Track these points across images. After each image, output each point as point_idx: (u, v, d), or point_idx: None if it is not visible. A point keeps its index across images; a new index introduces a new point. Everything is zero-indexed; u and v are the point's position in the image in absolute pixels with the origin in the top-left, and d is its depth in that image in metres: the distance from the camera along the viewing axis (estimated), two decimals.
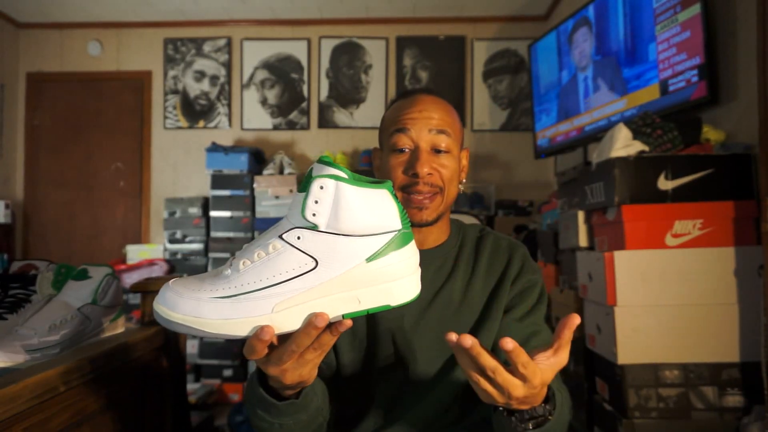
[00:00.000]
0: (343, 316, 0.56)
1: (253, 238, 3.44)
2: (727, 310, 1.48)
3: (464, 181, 0.94)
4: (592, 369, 1.77)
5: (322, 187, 0.53)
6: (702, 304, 1.49)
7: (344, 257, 0.54)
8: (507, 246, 0.94)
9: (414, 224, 0.86)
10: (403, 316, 0.87)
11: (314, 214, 0.54)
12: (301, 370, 0.60)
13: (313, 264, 0.54)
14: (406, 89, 0.95)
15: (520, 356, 0.57)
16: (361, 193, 0.54)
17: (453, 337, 0.57)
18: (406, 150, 0.86)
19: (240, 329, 0.55)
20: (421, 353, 0.87)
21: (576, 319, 0.60)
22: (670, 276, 1.50)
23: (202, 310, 0.54)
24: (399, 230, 0.56)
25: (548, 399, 0.67)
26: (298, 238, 0.54)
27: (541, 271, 0.96)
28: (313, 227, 0.54)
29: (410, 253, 0.58)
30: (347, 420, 0.89)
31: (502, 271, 0.91)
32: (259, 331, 0.54)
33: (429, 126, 0.85)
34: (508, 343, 0.56)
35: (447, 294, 0.89)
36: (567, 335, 0.60)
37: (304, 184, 0.55)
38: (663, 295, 1.50)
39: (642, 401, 1.47)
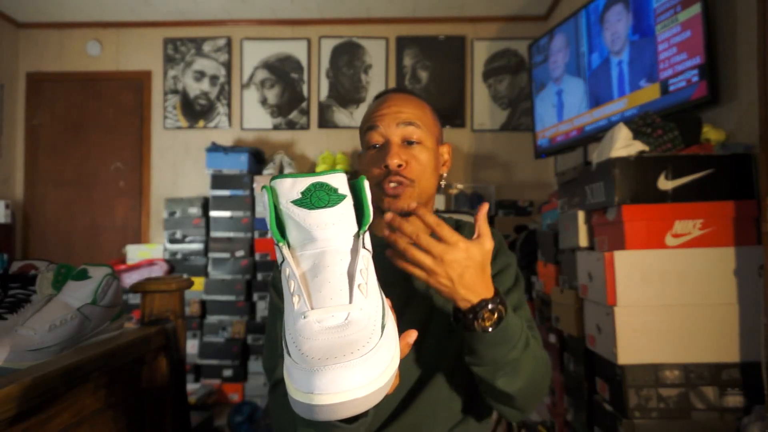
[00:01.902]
0: None
1: (253, 238, 3.45)
2: (727, 310, 1.48)
3: (445, 175, 0.97)
4: (592, 369, 1.77)
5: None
6: (702, 304, 1.49)
7: (369, 240, 0.58)
8: None
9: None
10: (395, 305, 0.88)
11: (370, 213, 0.56)
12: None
13: (370, 255, 0.56)
14: (382, 91, 0.98)
15: (426, 217, 0.72)
16: None
17: (387, 216, 0.72)
18: (378, 146, 0.89)
19: (398, 347, 0.53)
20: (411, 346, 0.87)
21: (485, 206, 0.75)
22: (670, 276, 1.50)
23: (387, 349, 0.49)
24: None
25: (498, 299, 0.73)
26: (366, 240, 0.56)
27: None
28: (365, 225, 0.56)
29: None
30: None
31: None
32: (406, 335, 0.58)
33: (397, 120, 0.88)
34: (413, 204, 0.76)
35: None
36: (480, 221, 0.74)
37: (337, 195, 0.54)
38: (663, 295, 1.50)
39: (642, 401, 1.47)
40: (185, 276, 1.32)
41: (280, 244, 0.54)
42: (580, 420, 1.85)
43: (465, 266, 0.70)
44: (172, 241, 3.52)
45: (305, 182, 0.52)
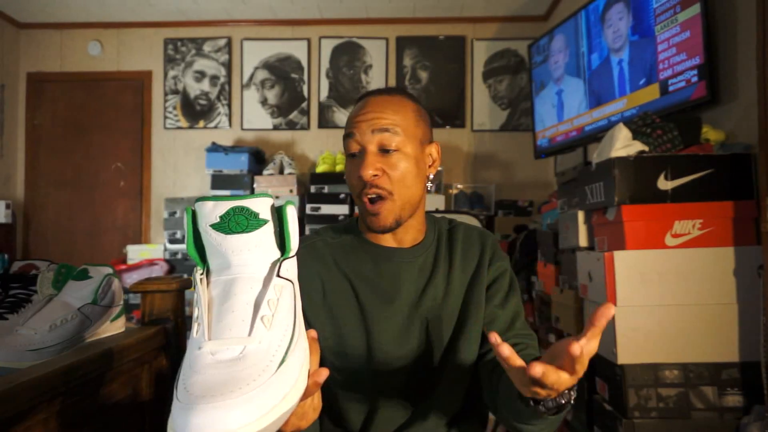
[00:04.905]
0: None
1: None
2: (726, 310, 1.48)
3: (432, 176, 0.93)
4: (592, 369, 1.77)
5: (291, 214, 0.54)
6: (702, 304, 1.49)
7: (295, 269, 0.56)
8: (478, 235, 0.96)
9: (375, 231, 0.87)
10: (395, 317, 0.87)
11: (292, 240, 0.54)
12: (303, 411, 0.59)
13: (291, 286, 0.54)
14: (364, 92, 0.94)
15: (581, 359, 0.57)
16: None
17: (534, 369, 0.57)
18: (357, 154, 0.86)
19: (303, 385, 0.51)
20: (417, 352, 0.87)
21: (612, 310, 0.58)
22: (670, 276, 1.50)
23: (278, 388, 0.46)
24: None
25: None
26: (284, 269, 0.53)
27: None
28: (287, 253, 0.54)
29: None
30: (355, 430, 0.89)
31: (479, 259, 0.93)
32: (316, 374, 0.54)
33: (372, 127, 0.84)
34: (576, 349, 0.56)
35: (432, 290, 0.89)
36: (602, 324, 0.58)
37: (257, 221, 0.52)
38: (663, 295, 1.50)
39: (642, 401, 1.47)
40: (185, 276, 1.32)
41: (197, 268, 0.53)
42: (580, 420, 1.85)
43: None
44: (173, 241, 3.53)
45: (225, 206, 0.50)
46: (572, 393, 0.65)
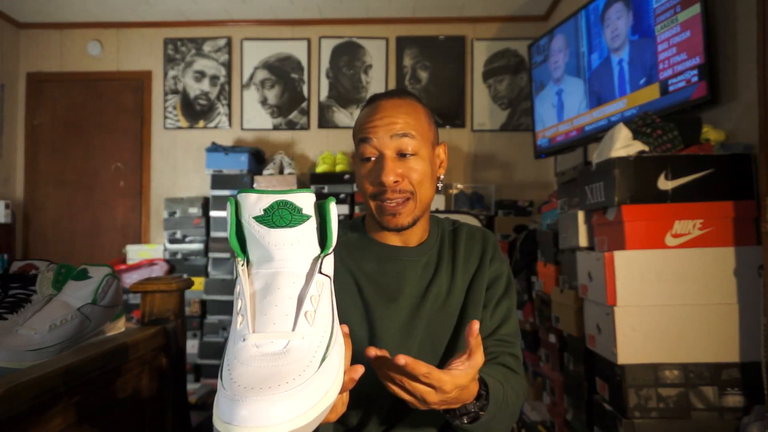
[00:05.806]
0: None
1: None
2: (727, 310, 1.48)
3: (442, 177, 0.94)
4: (592, 369, 1.77)
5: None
6: (702, 304, 1.49)
7: (332, 265, 0.57)
8: (481, 235, 0.98)
9: (390, 229, 0.88)
10: (398, 315, 0.88)
11: (333, 237, 0.55)
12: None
13: (329, 282, 0.55)
14: (373, 95, 0.95)
15: (416, 369, 0.63)
16: None
17: (370, 352, 0.65)
18: (372, 159, 0.86)
19: (341, 380, 0.52)
20: (417, 350, 0.87)
21: (475, 325, 0.68)
22: (670, 276, 1.50)
23: (321, 384, 0.47)
24: None
25: (480, 396, 0.73)
26: (324, 265, 0.54)
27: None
28: (327, 249, 0.55)
29: None
30: (352, 428, 0.89)
31: (480, 258, 0.95)
32: (352, 370, 0.56)
33: (391, 132, 0.84)
34: (401, 360, 0.62)
35: (436, 289, 0.91)
36: (473, 342, 0.67)
37: (300, 216, 0.52)
38: (663, 295, 1.50)
39: (642, 401, 1.47)
40: (185, 276, 1.32)
41: (238, 259, 0.53)
42: (580, 420, 1.85)
43: (452, 398, 0.68)
44: (172, 241, 3.52)
45: (269, 199, 0.50)
46: (479, 403, 0.73)
